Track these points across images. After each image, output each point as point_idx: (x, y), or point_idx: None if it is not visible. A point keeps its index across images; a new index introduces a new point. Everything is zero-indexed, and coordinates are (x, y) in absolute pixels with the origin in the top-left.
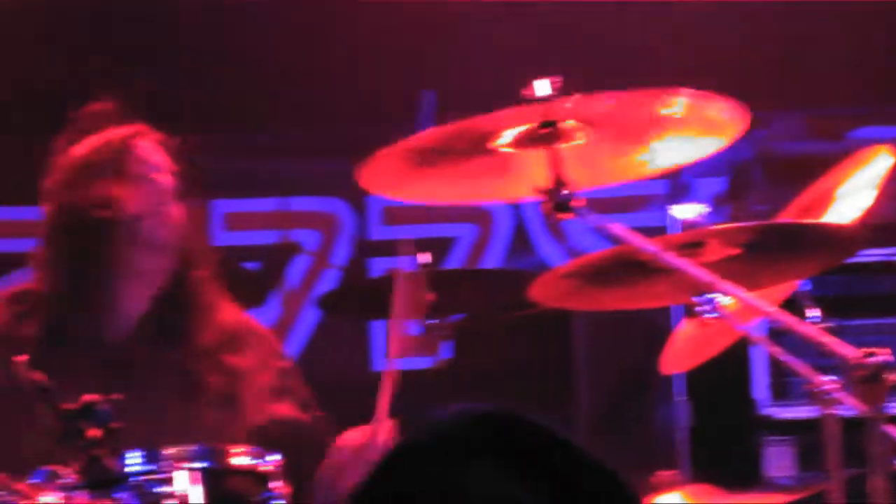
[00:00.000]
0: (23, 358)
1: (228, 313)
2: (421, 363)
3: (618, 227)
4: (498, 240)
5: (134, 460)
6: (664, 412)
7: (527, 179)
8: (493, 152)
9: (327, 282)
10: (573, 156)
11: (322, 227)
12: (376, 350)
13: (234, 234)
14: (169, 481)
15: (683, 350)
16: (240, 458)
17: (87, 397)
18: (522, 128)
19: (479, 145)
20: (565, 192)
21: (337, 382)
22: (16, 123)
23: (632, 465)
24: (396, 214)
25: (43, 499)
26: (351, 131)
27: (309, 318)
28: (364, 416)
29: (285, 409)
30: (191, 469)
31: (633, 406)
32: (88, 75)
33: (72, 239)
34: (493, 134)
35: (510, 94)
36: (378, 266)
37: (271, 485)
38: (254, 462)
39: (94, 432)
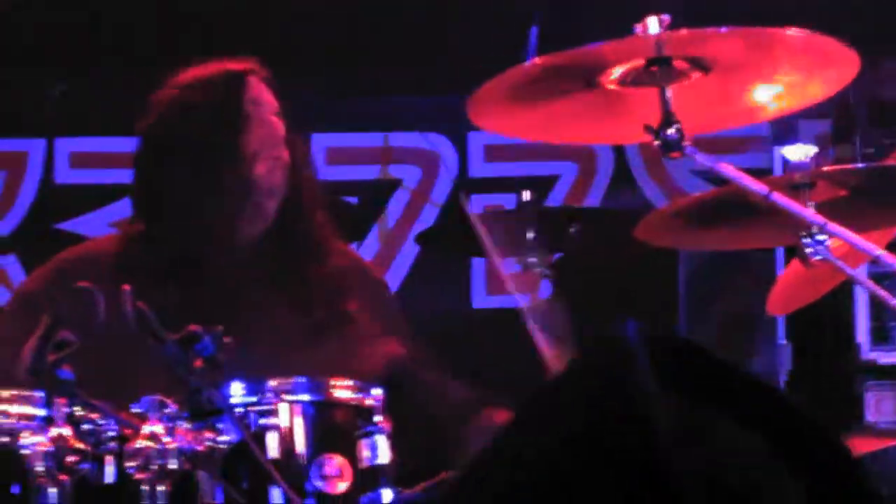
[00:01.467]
0: (129, 288)
1: (340, 251)
2: (519, 302)
3: (727, 168)
4: (600, 178)
5: (237, 391)
6: (766, 354)
7: (634, 118)
8: (601, 89)
9: (427, 218)
10: (683, 95)
11: (423, 164)
12: (475, 287)
13: (335, 169)
14: (272, 413)
15: (789, 292)
16: (343, 391)
17: (192, 328)
18: (632, 64)
19: (587, 81)
20: (673, 130)
21: (435, 319)
22: (127, 52)
23: None
24: (497, 152)
25: (147, 427)
26: (454, 67)
27: (408, 254)
28: (460, 353)
29: (393, 349)
30: (294, 401)
31: (735, 348)
32: (197, 7)
33: (183, 175)
34: (603, 70)
35: (621, 30)
36: (478, 203)
37: (374, 418)
38: (357, 395)
39: (197, 363)
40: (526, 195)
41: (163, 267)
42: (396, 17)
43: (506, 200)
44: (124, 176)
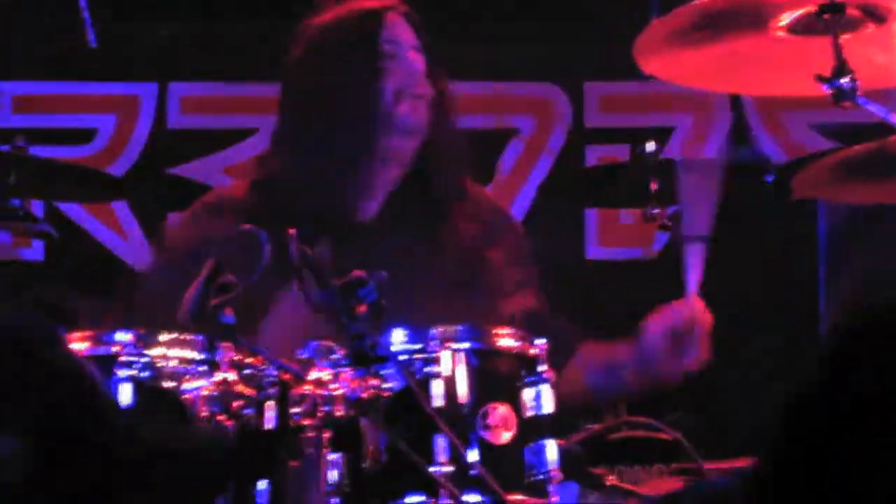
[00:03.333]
0: (294, 231)
1: (481, 197)
2: (634, 253)
3: None
4: (717, 130)
5: (400, 338)
6: None
7: (803, 67)
8: (769, 37)
9: (542, 168)
10: (851, 48)
11: (538, 113)
12: (589, 238)
13: None
14: (435, 360)
15: None
16: (507, 340)
17: (356, 273)
18: (804, 11)
19: (755, 28)
20: (847, 80)
21: (549, 269)
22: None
23: None
24: (613, 102)
25: (313, 373)
26: (571, 16)
27: (522, 203)
28: (573, 303)
29: (528, 301)
30: (457, 349)
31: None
32: None
33: (323, 119)
34: (772, 16)
35: None
36: (594, 154)
37: (538, 368)
38: (521, 344)
39: (361, 308)
40: (649, 146)
41: (294, 214)
42: None
43: (620, 151)
44: (236, 121)
